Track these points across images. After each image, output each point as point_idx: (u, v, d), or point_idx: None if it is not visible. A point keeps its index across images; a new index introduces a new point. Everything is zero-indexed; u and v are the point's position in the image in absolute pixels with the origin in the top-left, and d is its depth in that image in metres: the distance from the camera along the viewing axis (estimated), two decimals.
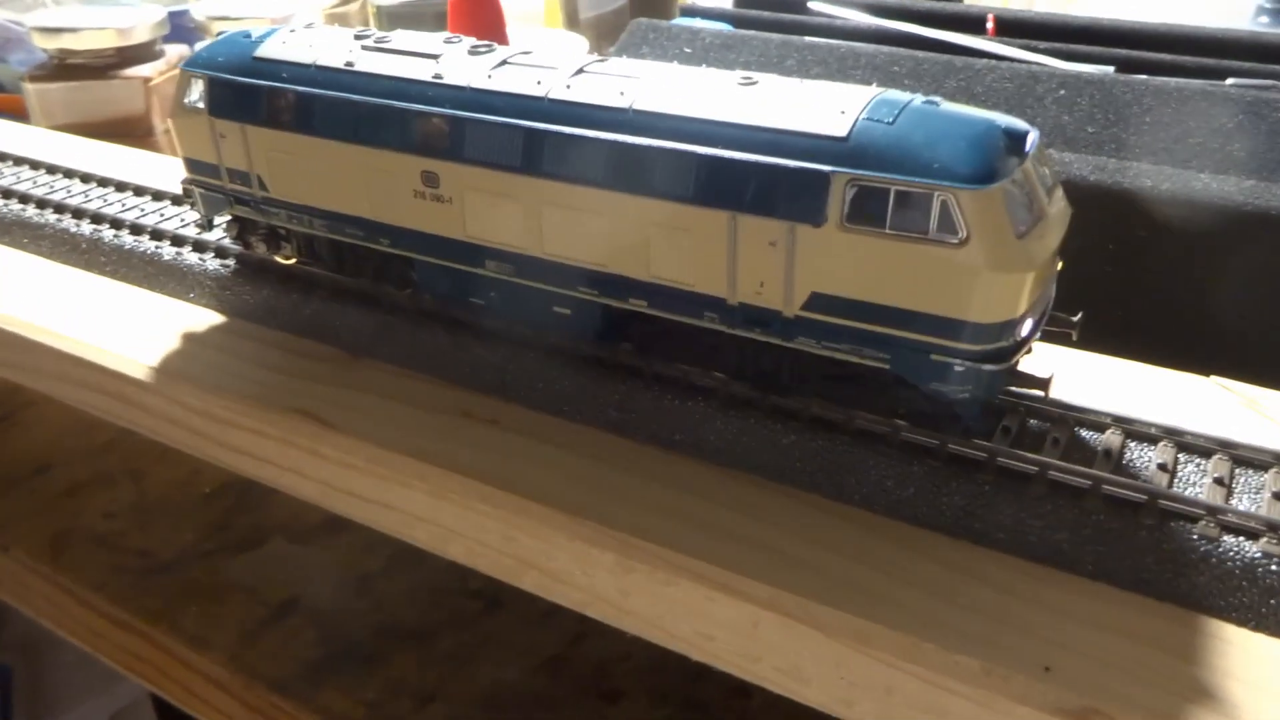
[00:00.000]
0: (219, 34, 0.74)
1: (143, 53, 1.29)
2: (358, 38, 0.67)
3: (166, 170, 0.96)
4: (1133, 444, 0.55)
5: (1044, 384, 0.54)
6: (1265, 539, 0.48)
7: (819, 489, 0.56)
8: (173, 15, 1.36)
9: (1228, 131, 0.80)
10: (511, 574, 0.59)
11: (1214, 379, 0.64)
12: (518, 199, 0.59)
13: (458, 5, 1.16)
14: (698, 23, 1.10)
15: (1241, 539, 0.48)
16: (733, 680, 0.53)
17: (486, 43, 0.64)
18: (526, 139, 0.58)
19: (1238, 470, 0.53)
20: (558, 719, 0.75)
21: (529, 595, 0.59)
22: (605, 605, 0.56)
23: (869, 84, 0.53)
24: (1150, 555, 0.49)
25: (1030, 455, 0.53)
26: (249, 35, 0.70)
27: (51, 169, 0.97)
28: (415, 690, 0.78)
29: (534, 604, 0.83)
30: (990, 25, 1.06)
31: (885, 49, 0.97)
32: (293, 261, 0.76)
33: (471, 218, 0.62)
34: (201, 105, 0.70)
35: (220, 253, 0.79)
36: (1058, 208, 0.53)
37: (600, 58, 0.61)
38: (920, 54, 0.95)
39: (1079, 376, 0.63)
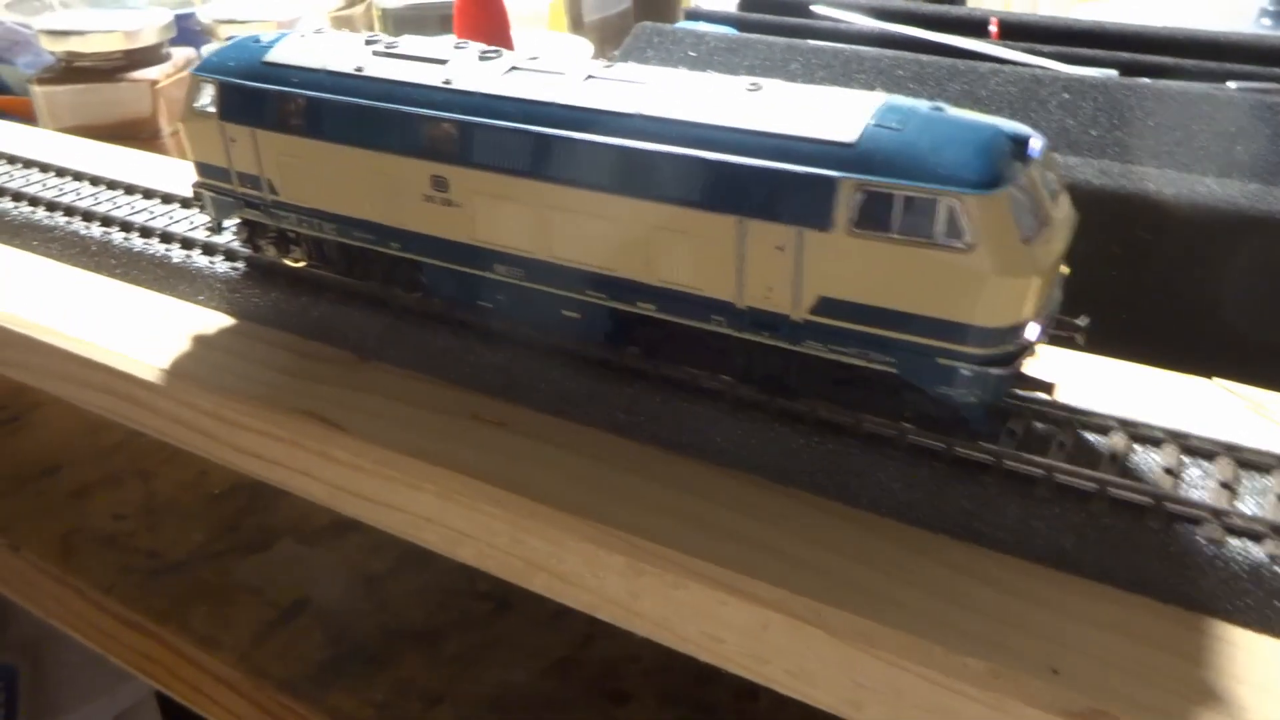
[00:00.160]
0: (229, 38, 0.75)
1: (149, 56, 1.30)
2: (368, 43, 0.67)
3: (175, 173, 0.97)
4: (1137, 447, 0.56)
5: (1049, 387, 0.54)
6: (1270, 542, 0.48)
7: (826, 492, 0.56)
8: (179, 18, 1.36)
9: (1231, 135, 0.81)
10: (521, 576, 0.59)
11: (1218, 381, 0.64)
12: (527, 203, 0.60)
13: (463, 8, 1.17)
14: (702, 26, 1.10)
15: (1247, 542, 0.49)
16: (741, 682, 0.53)
17: (495, 48, 0.64)
18: (536, 144, 0.58)
19: (1242, 473, 0.53)
20: None
21: (537, 597, 0.59)
22: (614, 607, 0.56)
23: (872, 87, 0.54)
24: (1156, 558, 0.49)
25: (1036, 458, 0.53)
26: (259, 40, 0.71)
27: (61, 171, 0.98)
28: (423, 691, 0.78)
29: (542, 606, 0.84)
30: (994, 29, 1.06)
31: (889, 53, 0.97)
32: (302, 264, 0.76)
33: (480, 222, 0.62)
34: (212, 109, 0.71)
35: (230, 256, 0.79)
36: (1063, 213, 0.53)
37: (608, 63, 0.62)
38: (924, 57, 0.95)
39: (1083, 379, 0.63)
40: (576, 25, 1.56)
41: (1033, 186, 0.50)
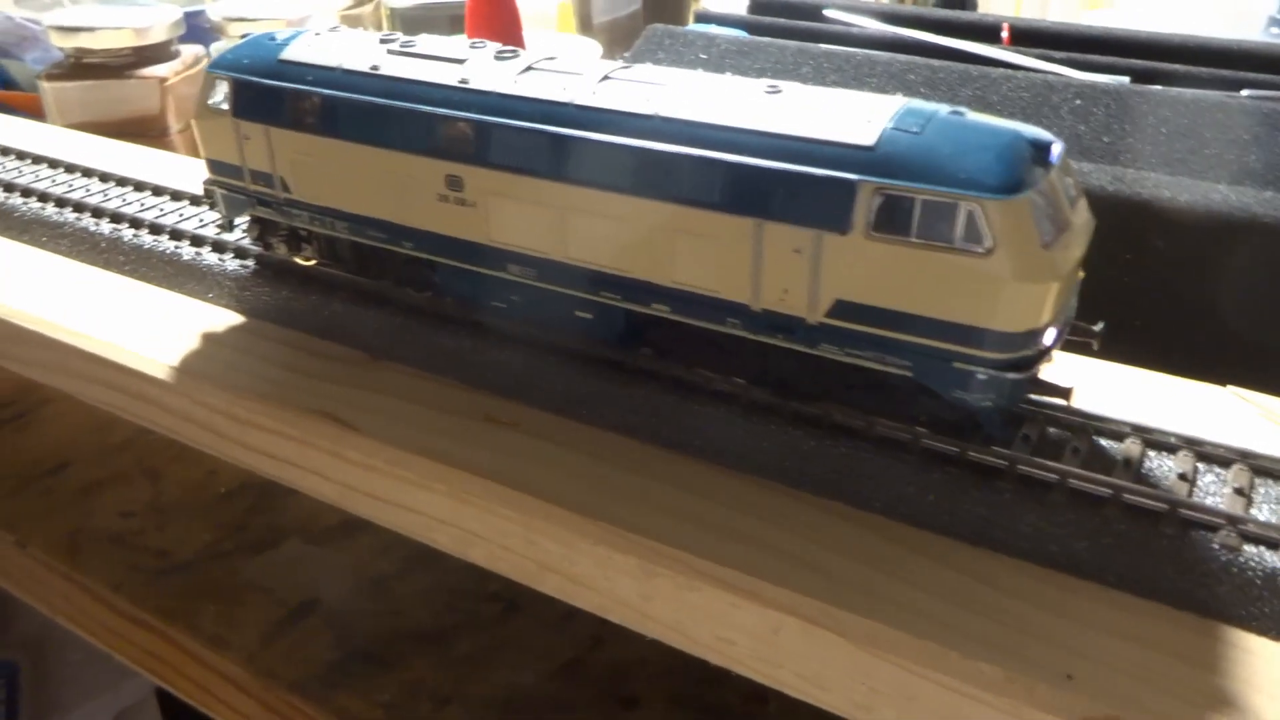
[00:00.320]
0: (243, 35, 0.75)
1: (159, 53, 1.30)
2: (383, 41, 0.67)
3: (184, 170, 0.97)
4: (1152, 453, 0.55)
5: (1065, 393, 0.54)
6: None
7: (839, 495, 0.56)
8: (189, 15, 1.36)
9: (1243, 142, 0.81)
10: (533, 578, 0.59)
11: (1231, 389, 0.64)
12: (542, 203, 0.60)
13: (475, 8, 1.17)
14: (713, 29, 1.10)
15: (1262, 549, 0.49)
16: (750, 686, 0.53)
17: (512, 48, 0.64)
18: (552, 145, 0.58)
19: (1257, 480, 0.53)
20: None
21: (546, 599, 0.59)
22: (626, 610, 0.56)
23: (884, 92, 0.54)
24: (1171, 564, 0.49)
25: (1050, 463, 0.53)
26: (274, 38, 0.71)
27: (70, 168, 0.98)
28: (432, 692, 0.78)
29: (552, 608, 0.83)
30: (1005, 34, 1.06)
31: (901, 57, 0.97)
32: (313, 263, 0.76)
33: (495, 222, 0.62)
34: (225, 107, 0.71)
35: (240, 253, 0.79)
36: (1082, 218, 0.53)
37: (625, 65, 0.61)
38: (936, 62, 0.95)
39: (1098, 385, 0.63)
40: (585, 27, 1.56)
41: (1052, 191, 0.50)
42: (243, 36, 0.75)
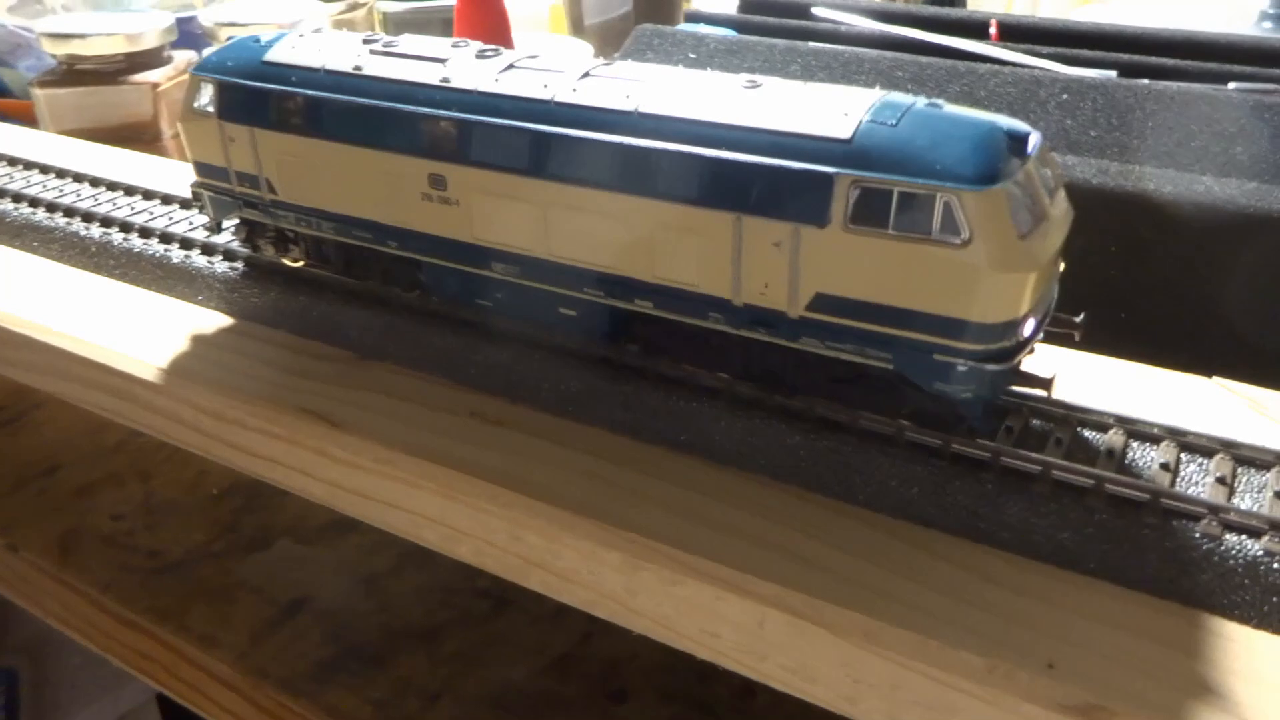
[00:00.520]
0: (229, 39, 0.75)
1: (151, 58, 1.30)
2: (366, 42, 0.68)
3: (174, 175, 0.97)
4: (1135, 444, 0.56)
5: (1047, 384, 0.54)
6: (1267, 537, 0.48)
7: (824, 489, 0.56)
8: (181, 21, 1.36)
9: (1230, 135, 0.81)
10: (519, 573, 0.59)
11: (1216, 380, 0.64)
12: (524, 201, 0.60)
13: (464, 11, 1.17)
14: (702, 28, 1.10)
15: (1244, 537, 0.49)
16: (739, 680, 0.53)
17: (494, 47, 0.64)
18: (533, 142, 0.58)
19: (1240, 470, 0.53)
20: (565, 718, 0.75)
21: (536, 595, 0.59)
22: (612, 604, 0.56)
23: (873, 89, 0.54)
24: (1153, 553, 0.49)
25: (1034, 455, 0.54)
26: (258, 40, 0.71)
27: (61, 173, 0.98)
28: (423, 689, 0.78)
29: (542, 604, 0.84)
30: (993, 31, 1.06)
31: (889, 54, 0.97)
32: (300, 264, 0.76)
33: (478, 220, 0.62)
34: (211, 109, 0.71)
35: (229, 255, 0.79)
36: (1060, 209, 0.53)
37: (606, 62, 0.62)
38: (924, 59, 0.95)
39: (1082, 377, 0.63)
40: (577, 28, 1.56)
41: (1030, 182, 0.50)
42: (229, 39, 0.75)
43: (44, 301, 0.80)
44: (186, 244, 0.82)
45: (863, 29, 1.09)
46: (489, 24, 1.18)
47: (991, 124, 0.50)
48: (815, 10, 1.13)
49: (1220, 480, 0.52)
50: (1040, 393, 0.55)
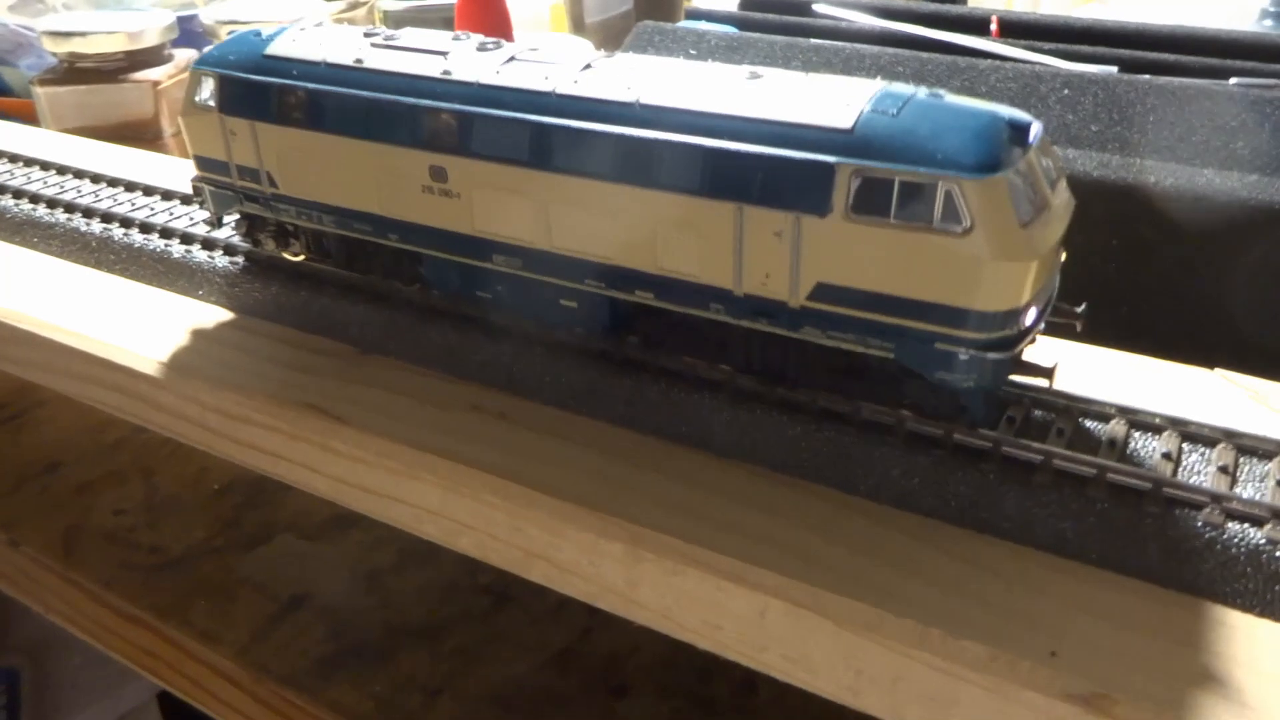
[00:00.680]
0: (229, 34, 0.75)
1: (152, 57, 1.30)
2: (366, 35, 0.68)
3: (175, 171, 0.97)
4: (1137, 434, 0.55)
5: (1048, 373, 0.54)
6: (1269, 526, 0.48)
7: (826, 480, 0.56)
8: (181, 20, 1.37)
9: (1231, 130, 0.81)
10: (520, 566, 0.59)
11: (1218, 372, 0.64)
12: (525, 193, 0.60)
13: (465, 9, 1.17)
14: (703, 25, 1.10)
15: (1246, 526, 0.49)
16: (740, 675, 0.54)
17: (495, 39, 0.64)
18: (534, 134, 0.58)
19: (1242, 459, 0.53)
20: (566, 713, 0.75)
21: (537, 591, 0.59)
22: (613, 596, 0.56)
23: (874, 80, 0.54)
24: (1155, 543, 0.49)
25: (1035, 445, 0.53)
26: (259, 34, 0.71)
27: (61, 169, 0.98)
28: (424, 685, 0.78)
29: (542, 599, 0.84)
30: (994, 27, 1.06)
31: (890, 50, 0.97)
32: (301, 258, 0.76)
33: (479, 212, 0.62)
34: (212, 103, 0.71)
35: (229, 250, 0.79)
36: (1061, 199, 0.53)
37: (607, 54, 0.62)
38: (925, 55, 0.95)
39: (1083, 369, 0.63)
40: (578, 27, 1.56)
41: (1031, 171, 0.50)
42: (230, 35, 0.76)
43: (45, 297, 0.81)
44: (187, 239, 0.82)
45: (863, 25, 1.09)
46: (490, 22, 1.18)
47: (993, 114, 0.50)
48: (816, 7, 1.13)
49: (1222, 469, 0.52)
50: (1042, 382, 0.55)
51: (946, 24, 1.07)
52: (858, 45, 0.99)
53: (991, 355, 0.51)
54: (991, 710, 0.46)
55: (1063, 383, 0.57)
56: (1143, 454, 0.54)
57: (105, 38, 1.25)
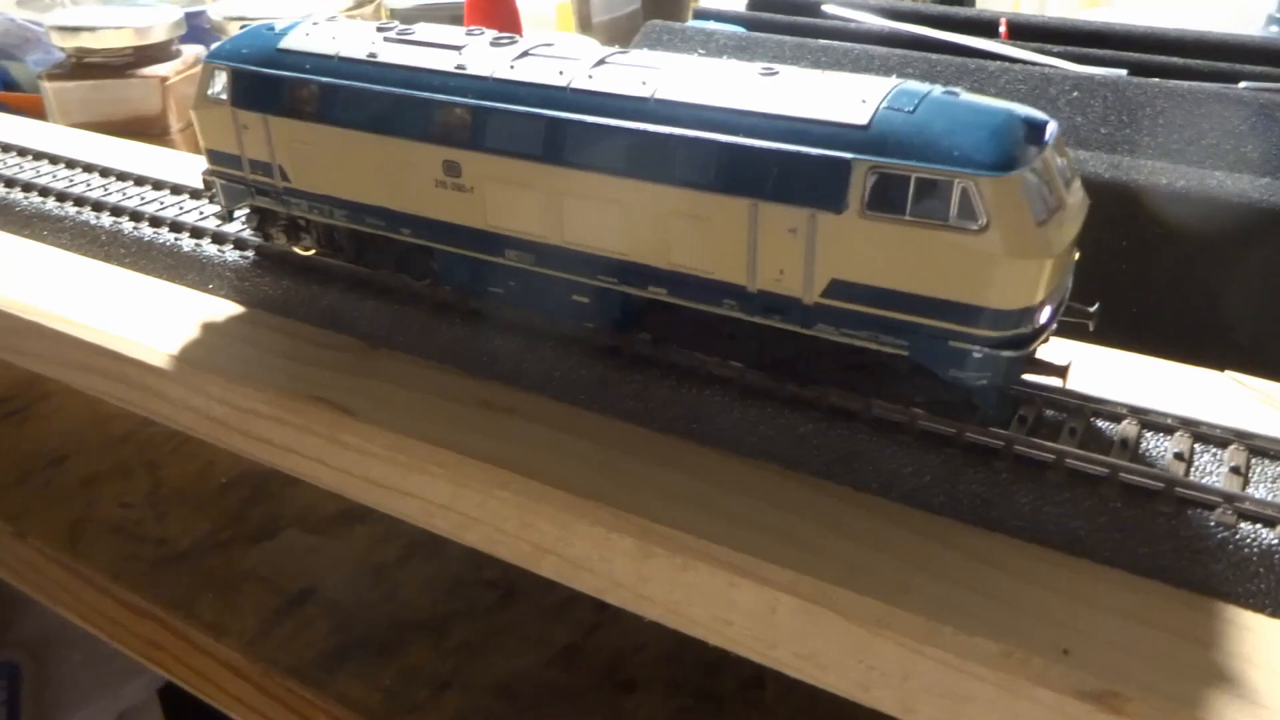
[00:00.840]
0: (243, 28, 0.75)
1: (160, 52, 1.30)
2: (380, 30, 0.68)
3: (183, 166, 0.97)
4: (1149, 434, 0.55)
5: (1062, 371, 0.54)
6: None
7: (836, 477, 0.56)
8: (190, 16, 1.37)
9: (1241, 133, 0.81)
10: (530, 560, 0.59)
11: (1230, 374, 0.64)
12: (539, 188, 0.60)
13: (474, 6, 1.18)
14: (711, 25, 1.10)
15: (1259, 526, 0.49)
16: (747, 671, 0.53)
17: (509, 35, 0.64)
18: (548, 128, 0.58)
19: (1254, 460, 0.53)
20: (573, 708, 0.75)
21: (544, 586, 0.59)
22: (623, 591, 0.56)
23: (889, 78, 0.54)
24: (1167, 542, 0.49)
25: (1047, 444, 0.53)
26: (272, 28, 0.71)
27: (71, 163, 0.98)
28: (431, 678, 0.78)
29: (549, 595, 0.84)
30: (1003, 29, 1.06)
31: (899, 51, 0.98)
32: (312, 253, 0.76)
33: (492, 207, 0.62)
34: (224, 96, 0.71)
35: (240, 244, 0.79)
36: (1076, 198, 0.53)
37: (621, 50, 0.62)
38: (934, 56, 0.96)
39: (1095, 369, 0.63)
40: (585, 26, 1.56)
41: (1046, 170, 0.50)
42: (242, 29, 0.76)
43: (54, 290, 0.81)
44: (197, 233, 0.82)
45: (872, 26, 1.09)
46: (499, 20, 1.18)
47: (1009, 111, 0.50)
48: (825, 7, 1.14)
49: (1234, 470, 0.52)
50: (1056, 381, 0.55)
51: (955, 26, 1.07)
52: (867, 46, 0.99)
53: (1005, 353, 0.51)
54: (1003, 707, 0.46)
55: (1074, 382, 0.57)
56: (1155, 454, 0.54)
57: (113, 33, 1.25)
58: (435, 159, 0.63)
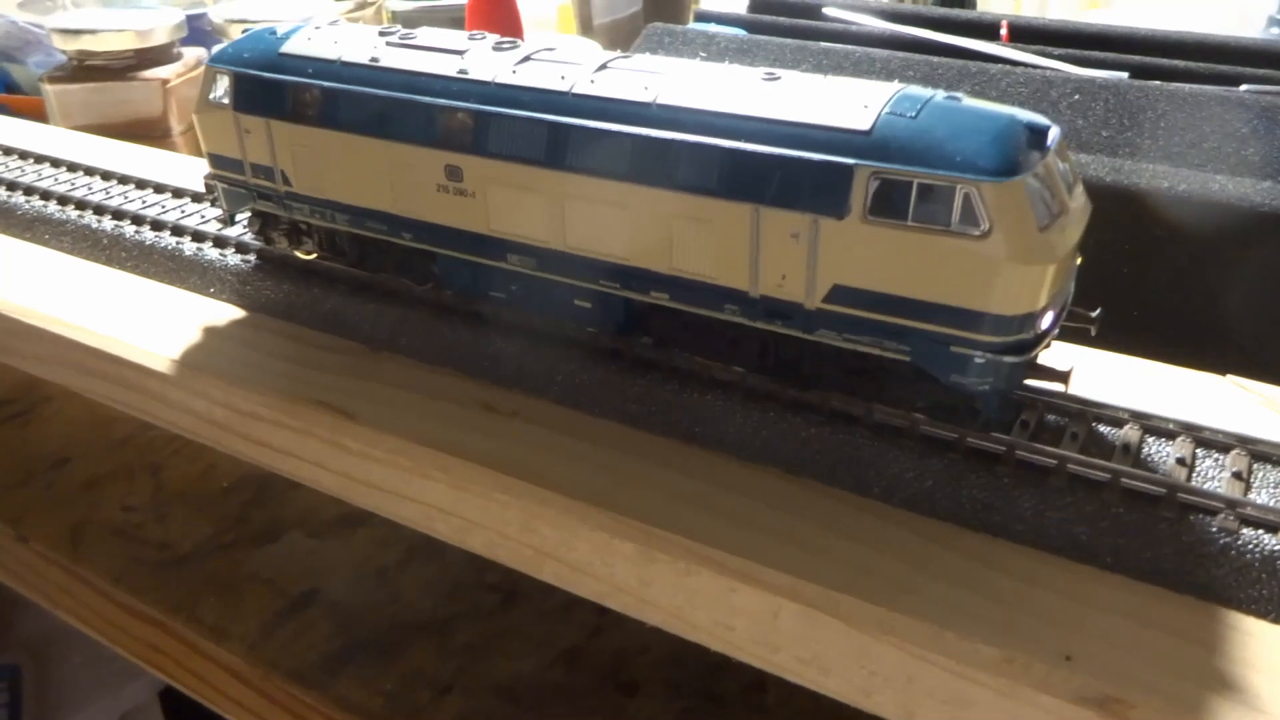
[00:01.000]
0: (244, 31, 0.75)
1: (161, 55, 1.30)
2: (382, 34, 0.68)
3: (185, 169, 0.97)
4: (1151, 439, 0.55)
5: (1064, 376, 0.54)
6: None
7: (839, 482, 0.56)
8: (191, 18, 1.37)
9: (1242, 136, 0.81)
10: (532, 565, 0.59)
11: (1231, 378, 0.64)
12: (541, 192, 0.60)
13: (475, 9, 1.18)
14: (712, 28, 1.10)
15: (1261, 532, 0.49)
16: (749, 674, 0.53)
17: (511, 39, 0.64)
18: (550, 133, 0.58)
19: (1256, 465, 0.53)
20: (575, 710, 0.75)
21: (545, 589, 0.59)
22: (625, 596, 0.56)
23: (891, 83, 0.54)
24: (1169, 547, 0.49)
25: (1049, 449, 0.53)
26: (274, 32, 0.71)
27: (73, 167, 0.98)
28: (433, 681, 0.78)
29: (551, 598, 0.84)
30: (1004, 32, 1.06)
31: (900, 54, 0.98)
32: (313, 257, 0.76)
33: (494, 211, 0.62)
34: (226, 101, 0.71)
35: (241, 248, 0.79)
36: (1078, 203, 0.53)
37: (623, 54, 0.62)
38: (935, 59, 0.96)
39: (1097, 374, 0.63)
40: (586, 28, 1.56)
41: (1049, 175, 0.50)
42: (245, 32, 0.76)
43: (56, 294, 0.81)
44: (199, 237, 0.82)
45: (873, 29, 1.09)
46: (501, 23, 1.18)
47: (1011, 116, 0.50)
48: (825, 10, 1.14)
49: (1236, 475, 0.52)
50: (1058, 386, 0.55)
51: (956, 28, 1.07)
52: (868, 49, 0.99)
53: (1007, 358, 0.51)
54: (1005, 713, 0.46)
55: (1076, 387, 0.57)
56: (1156, 459, 0.54)
57: (114, 36, 1.25)
58: (437, 163, 0.63)
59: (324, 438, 0.65)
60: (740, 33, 1.08)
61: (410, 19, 1.48)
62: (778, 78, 0.55)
